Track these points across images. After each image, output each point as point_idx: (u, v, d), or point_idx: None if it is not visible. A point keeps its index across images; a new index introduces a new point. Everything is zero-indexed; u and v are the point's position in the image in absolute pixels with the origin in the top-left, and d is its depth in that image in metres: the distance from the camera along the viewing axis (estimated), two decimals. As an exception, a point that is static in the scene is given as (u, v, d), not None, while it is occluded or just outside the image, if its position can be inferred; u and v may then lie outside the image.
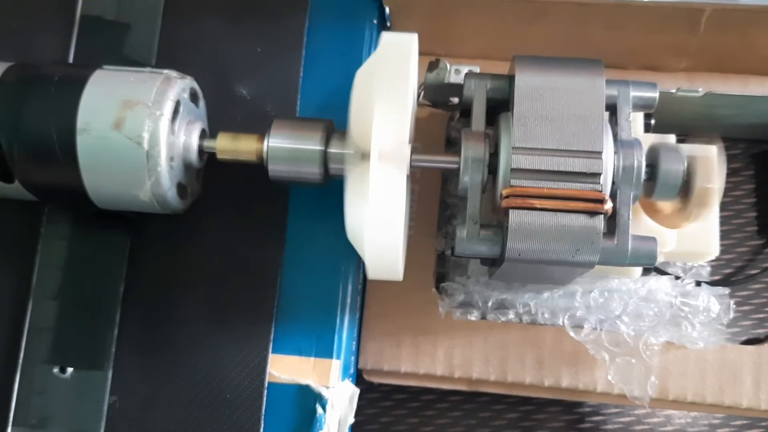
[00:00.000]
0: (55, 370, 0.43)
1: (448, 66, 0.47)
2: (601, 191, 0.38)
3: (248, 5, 0.48)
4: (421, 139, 0.46)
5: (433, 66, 0.47)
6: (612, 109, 0.41)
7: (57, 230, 0.45)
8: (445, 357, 0.48)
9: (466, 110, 0.44)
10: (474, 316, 0.48)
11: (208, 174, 0.45)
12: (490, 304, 0.48)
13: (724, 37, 0.49)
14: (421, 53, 0.46)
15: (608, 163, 0.39)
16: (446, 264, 0.52)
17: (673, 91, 0.48)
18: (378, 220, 0.38)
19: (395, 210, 0.38)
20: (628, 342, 0.45)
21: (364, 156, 0.39)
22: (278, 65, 0.48)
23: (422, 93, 0.48)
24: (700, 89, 0.47)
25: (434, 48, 0.51)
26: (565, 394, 0.49)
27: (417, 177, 0.52)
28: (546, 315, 0.47)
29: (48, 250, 0.45)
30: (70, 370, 0.43)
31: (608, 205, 0.37)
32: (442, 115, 0.52)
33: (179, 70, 0.42)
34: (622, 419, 0.52)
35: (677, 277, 0.48)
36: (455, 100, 0.49)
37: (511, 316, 0.48)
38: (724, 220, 0.54)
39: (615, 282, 0.47)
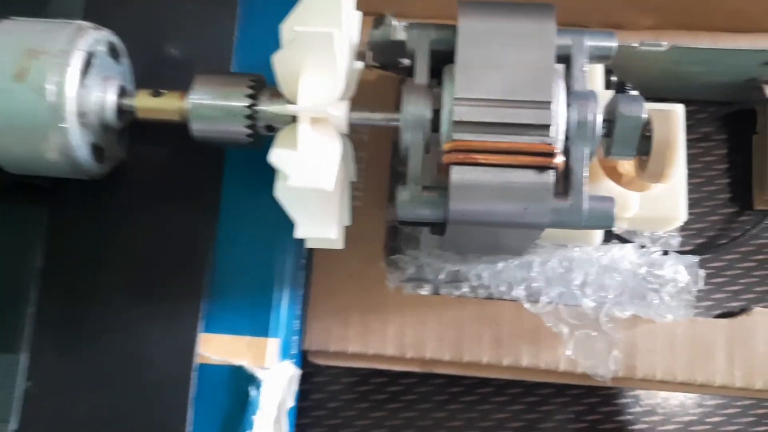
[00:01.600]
0: None
1: (395, 22, 0.44)
2: (552, 145, 0.34)
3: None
4: (370, 103, 0.43)
5: (378, 22, 0.44)
6: (566, 60, 0.38)
7: (-34, 202, 0.41)
8: (395, 336, 0.45)
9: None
10: (425, 290, 0.45)
11: (135, 139, 0.42)
12: (442, 276, 0.44)
13: (689, -8, 0.46)
14: (367, 13, 0.43)
15: (560, 116, 0.35)
16: (398, 237, 0.48)
17: (636, 44, 0.44)
18: (307, 179, 0.35)
19: (326, 168, 0.35)
20: (588, 314, 0.42)
21: (293, 113, 0.36)
22: (211, 23, 0.44)
23: (370, 54, 0.45)
24: (664, 43, 0.44)
25: (381, 8, 0.47)
26: (526, 374, 0.46)
27: (366, 144, 0.48)
28: (502, 288, 0.43)
29: (-42, 223, 0.41)
30: (-20, 353, 0.40)
31: (559, 159, 0.34)
32: (393, 78, 0.49)
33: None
34: (588, 400, 0.49)
35: (642, 246, 0.45)
36: (406, 62, 0.46)
37: (465, 289, 0.45)
38: (694, 188, 0.51)
39: (576, 252, 0.43)
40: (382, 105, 0.48)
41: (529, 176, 0.34)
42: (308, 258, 0.46)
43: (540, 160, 0.34)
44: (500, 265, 0.43)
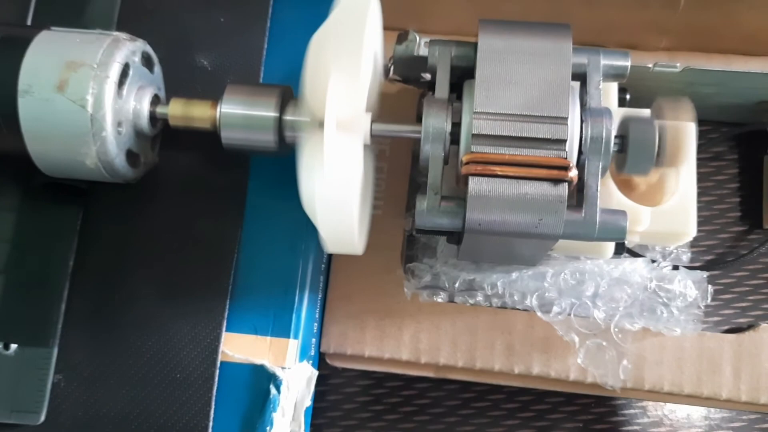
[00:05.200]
0: None
1: (418, 38, 0.45)
2: (566, 159, 0.36)
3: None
4: (391, 116, 0.44)
5: (402, 38, 0.45)
6: (582, 78, 0.39)
7: (4, 202, 0.43)
8: (411, 341, 0.46)
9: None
10: (441, 298, 0.46)
11: (165, 144, 0.44)
12: (457, 285, 0.46)
13: (705, 14, 0.47)
14: (392, 29, 0.44)
15: (575, 131, 0.37)
16: (415, 246, 0.50)
17: (650, 65, 0.46)
18: (332, 189, 0.36)
19: (350, 178, 0.36)
20: (600, 324, 0.43)
21: (320, 124, 0.37)
22: (242, 36, 0.46)
23: (392, 67, 0.46)
24: (678, 64, 0.46)
25: (405, 24, 0.49)
26: (536, 382, 0.47)
27: (386, 155, 0.50)
28: (515, 297, 0.45)
29: (-4, 222, 0.43)
30: (13, 346, 0.41)
31: (573, 173, 0.35)
32: (414, 91, 0.51)
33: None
34: (596, 410, 0.50)
35: (653, 261, 0.46)
36: (427, 76, 0.48)
37: (480, 298, 0.46)
38: (705, 205, 0.52)
39: (588, 264, 0.45)
40: (402, 117, 0.50)
41: (544, 189, 0.35)
42: (327, 263, 0.48)
43: (555, 173, 0.35)
44: (514, 274, 0.45)
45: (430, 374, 0.47)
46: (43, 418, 0.41)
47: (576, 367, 0.45)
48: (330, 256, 0.48)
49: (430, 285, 0.47)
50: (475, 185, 0.35)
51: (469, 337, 0.46)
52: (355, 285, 0.47)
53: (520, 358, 0.46)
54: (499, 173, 0.35)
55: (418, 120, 0.51)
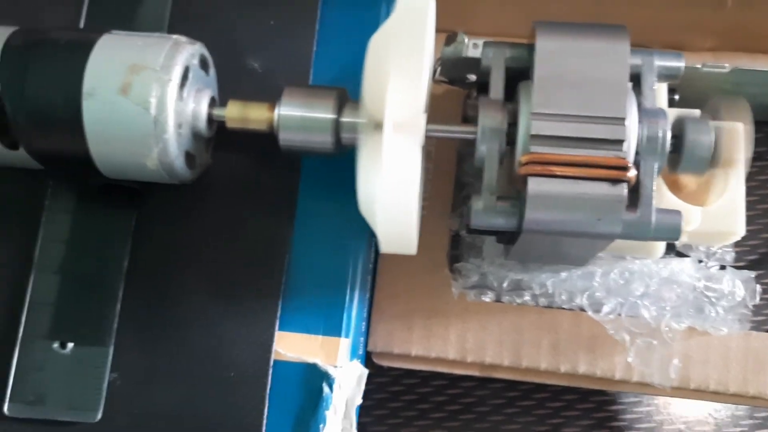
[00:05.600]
0: (55, 345, 0.42)
1: (466, 40, 0.46)
2: (625, 159, 0.36)
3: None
4: (437, 117, 0.45)
5: (450, 39, 0.46)
6: (636, 79, 0.40)
7: (61, 204, 0.44)
8: (457, 340, 0.47)
9: (483, 86, 0.43)
10: (489, 297, 0.47)
11: (216, 145, 0.44)
12: (505, 285, 0.46)
13: (752, 14, 0.48)
14: (437, 30, 0.45)
15: (632, 131, 0.37)
16: (460, 246, 0.50)
17: (699, 66, 0.46)
18: (391, 190, 0.36)
19: (409, 179, 0.37)
20: (650, 323, 0.43)
21: (378, 126, 0.37)
22: (291, 39, 0.46)
23: (439, 69, 0.47)
24: (726, 65, 0.46)
25: (451, 25, 0.49)
26: (582, 381, 0.47)
27: (431, 156, 0.50)
28: (563, 296, 0.45)
29: (51, 223, 0.43)
30: (70, 345, 0.42)
31: (632, 173, 0.36)
32: (459, 92, 0.51)
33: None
34: (640, 409, 0.50)
35: (700, 261, 0.46)
36: (472, 77, 0.48)
37: (527, 297, 0.46)
38: (749, 205, 0.51)
39: (636, 264, 0.45)
40: (446, 118, 0.50)
41: (603, 188, 0.36)
42: (374, 262, 0.48)
43: (614, 173, 0.36)
44: (563, 274, 0.45)
45: (476, 373, 0.47)
46: (99, 415, 0.41)
47: (622, 366, 0.46)
48: (377, 256, 0.48)
49: (478, 285, 0.47)
50: (534, 185, 0.36)
51: (516, 336, 0.46)
52: (401, 285, 0.48)
53: (566, 356, 0.46)
54: (559, 173, 0.36)
55: (464, 121, 0.52)
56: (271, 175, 0.45)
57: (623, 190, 0.36)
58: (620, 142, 0.36)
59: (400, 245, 0.39)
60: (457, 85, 0.48)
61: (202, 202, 0.44)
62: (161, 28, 0.46)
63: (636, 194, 0.37)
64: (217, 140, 0.44)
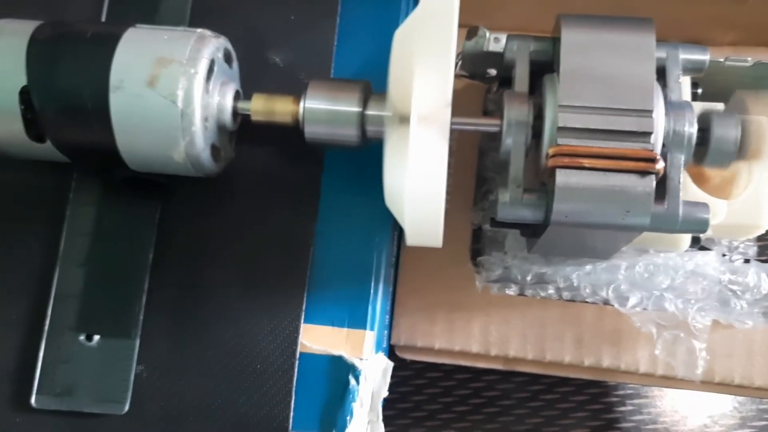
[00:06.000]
0: (82, 337, 0.42)
1: (488, 34, 0.46)
2: (653, 151, 0.36)
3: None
4: (457, 111, 0.45)
5: (471, 34, 0.46)
6: (661, 72, 0.39)
7: (86, 197, 0.44)
8: (480, 334, 0.47)
9: (505, 80, 0.43)
10: (512, 291, 0.47)
11: (240, 138, 0.44)
12: (529, 278, 0.46)
13: (773, 7, 0.48)
14: (459, 25, 0.45)
15: (659, 124, 0.37)
16: (482, 240, 0.50)
17: (722, 60, 0.46)
18: (419, 182, 0.36)
19: (436, 172, 0.37)
20: (677, 316, 0.43)
21: (403, 119, 0.38)
22: (312, 33, 0.46)
23: (459, 63, 0.47)
24: (749, 58, 0.46)
25: (472, 20, 0.49)
26: (606, 374, 0.47)
27: (453, 150, 0.50)
28: (588, 290, 0.45)
29: (76, 216, 0.44)
30: (96, 338, 0.42)
31: (660, 165, 0.36)
32: (479, 88, 0.51)
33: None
34: (664, 402, 0.50)
35: (724, 254, 0.46)
36: (493, 72, 0.48)
37: (551, 290, 0.46)
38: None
39: (660, 257, 0.45)
40: (467, 113, 0.50)
41: (632, 181, 0.36)
42: (396, 256, 0.48)
43: (643, 165, 0.35)
44: (588, 267, 0.45)
45: (499, 366, 0.48)
46: (127, 407, 0.41)
47: (646, 360, 0.46)
48: (399, 250, 0.48)
49: (501, 278, 0.47)
50: (562, 177, 0.36)
51: (539, 330, 0.47)
52: (424, 278, 0.48)
53: (590, 350, 0.46)
54: (587, 165, 0.36)
55: (484, 114, 0.52)
56: (295, 169, 0.45)
57: (652, 182, 0.35)
58: (648, 134, 0.36)
59: (426, 238, 0.39)
60: (478, 80, 0.48)
61: (226, 195, 0.44)
62: (182, 22, 0.46)
63: (663, 187, 0.37)
64: (239, 134, 0.44)
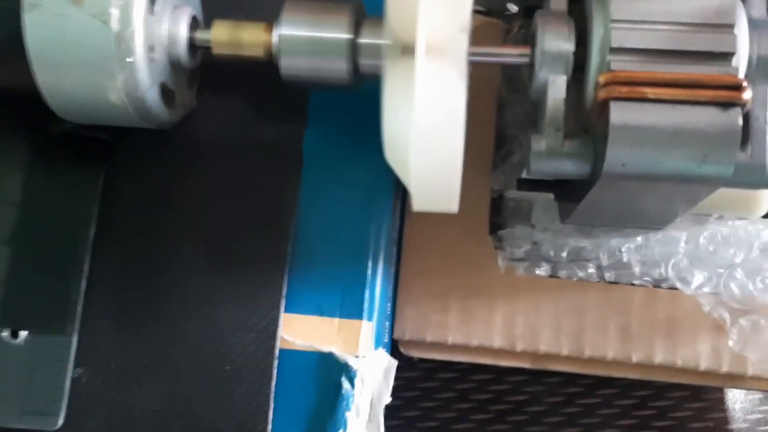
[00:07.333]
0: (5, 334, 0.35)
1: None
2: (739, 77, 0.28)
3: None
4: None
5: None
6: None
7: (12, 158, 0.36)
8: (504, 325, 0.39)
9: (531, 11, 0.35)
10: (543, 271, 0.39)
11: (202, 84, 0.36)
12: (564, 254, 0.38)
13: None
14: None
15: (741, 46, 0.29)
16: (503, 211, 0.42)
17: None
18: (428, 130, 0.29)
19: (452, 115, 0.29)
20: (756, 298, 0.35)
21: (407, 49, 0.29)
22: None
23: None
24: None
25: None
26: (658, 373, 0.39)
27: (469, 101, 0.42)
28: (638, 268, 0.37)
29: None
30: (23, 334, 0.35)
31: (747, 94, 0.27)
32: (497, 26, 0.43)
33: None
34: (728, 406, 0.42)
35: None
36: (513, 7, 0.40)
37: (591, 270, 0.38)
38: None
39: (728, 226, 0.36)
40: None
41: (712, 115, 0.27)
42: (399, 230, 0.40)
43: (725, 94, 0.27)
44: (639, 239, 0.37)
45: (527, 365, 0.40)
46: (61, 421, 0.34)
47: (708, 353, 0.38)
48: (403, 220, 0.40)
49: (529, 255, 0.39)
50: (619, 112, 0.28)
51: (576, 319, 0.39)
52: (434, 257, 0.40)
53: (639, 343, 0.38)
54: (651, 96, 0.27)
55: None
56: (271, 121, 0.37)
57: (738, 116, 0.27)
58: (729, 55, 0.28)
59: (439, 201, 0.31)
60: (496, 17, 0.40)
61: (187, 156, 0.37)
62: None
63: (745, 128, 0.29)
64: (202, 79, 0.36)
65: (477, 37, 0.41)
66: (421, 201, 0.31)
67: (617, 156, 0.28)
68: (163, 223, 0.36)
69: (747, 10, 0.30)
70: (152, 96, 0.31)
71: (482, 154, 0.42)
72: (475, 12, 0.40)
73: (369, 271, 0.36)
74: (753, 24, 0.30)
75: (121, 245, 0.36)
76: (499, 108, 0.43)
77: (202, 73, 0.36)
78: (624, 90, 0.27)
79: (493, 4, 0.39)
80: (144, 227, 0.36)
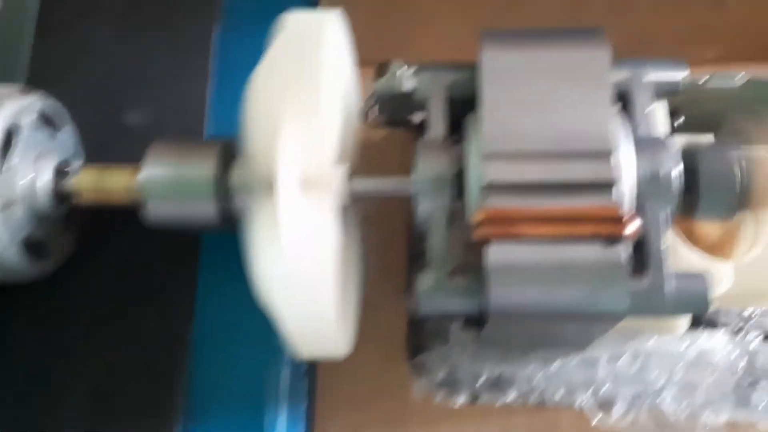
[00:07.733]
0: None
1: (402, 69, 0.36)
2: (619, 208, 0.25)
3: (142, 14, 0.38)
4: (378, 169, 0.35)
5: (381, 70, 0.36)
6: (624, 99, 0.29)
7: None
8: (424, 459, 0.36)
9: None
10: (462, 398, 0.36)
11: (91, 224, 0.34)
12: (481, 381, 0.35)
13: (760, 13, 0.38)
14: (370, 61, 0.35)
15: (626, 169, 0.27)
16: (423, 332, 0.39)
17: (705, 78, 0.36)
18: (295, 272, 0.26)
19: (319, 256, 0.26)
20: (679, 424, 0.32)
21: (269, 186, 0.27)
22: (180, 82, 0.37)
23: (373, 108, 0.37)
24: (738, 75, 0.36)
25: (386, 53, 0.39)
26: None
27: (379, 219, 0.40)
28: (559, 393, 0.34)
29: None
30: None
31: (631, 226, 0.25)
32: (403, 137, 0.41)
33: (55, 95, 0.32)
34: None
35: (738, 331, 0.35)
36: (418, 117, 0.38)
37: (512, 396, 0.35)
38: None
39: (652, 343, 0.34)
40: (391, 171, 0.40)
41: (595, 251, 0.25)
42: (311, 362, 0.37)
43: (607, 228, 0.25)
44: (556, 364, 0.34)
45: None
46: None
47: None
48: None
49: (446, 382, 0.36)
50: (495, 254, 0.25)
51: (502, 449, 0.35)
52: (349, 387, 0.37)
53: (572, 471, 0.35)
54: (528, 234, 0.25)
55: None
56: (162, 258, 0.35)
57: (621, 251, 0.25)
58: (609, 185, 0.26)
59: (319, 346, 0.29)
60: (402, 127, 0.38)
61: (71, 300, 0.35)
62: (19, 77, 0.37)
63: (642, 254, 0.27)
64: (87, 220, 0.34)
65: (384, 152, 0.39)
66: (301, 347, 0.29)
67: (499, 297, 0.25)
68: (49, 375, 0.33)
69: (633, 128, 0.29)
70: (11, 254, 0.29)
71: (395, 275, 0.39)
72: (380, 126, 0.38)
73: (266, 416, 0.33)
74: (640, 143, 0.28)
75: (7, 395, 0.33)
76: (411, 225, 0.41)
77: (92, 216, 0.34)
78: (498, 230, 0.25)
79: (396, 116, 0.37)
80: (30, 376, 0.33)
